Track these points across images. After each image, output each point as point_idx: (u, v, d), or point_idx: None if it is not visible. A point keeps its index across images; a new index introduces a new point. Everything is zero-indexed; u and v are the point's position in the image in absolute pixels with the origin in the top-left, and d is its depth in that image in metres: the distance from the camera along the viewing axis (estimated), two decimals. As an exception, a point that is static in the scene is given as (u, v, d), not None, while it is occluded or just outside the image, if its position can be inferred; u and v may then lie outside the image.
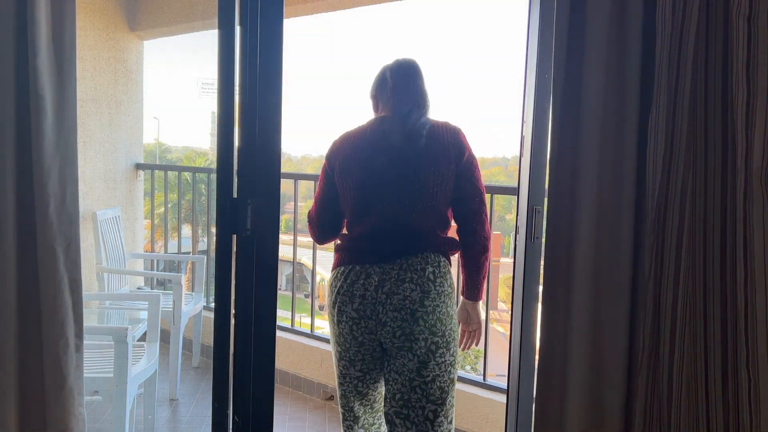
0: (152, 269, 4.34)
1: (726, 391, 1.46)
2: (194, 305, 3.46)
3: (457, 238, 1.84)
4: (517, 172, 1.74)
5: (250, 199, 1.62)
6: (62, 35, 1.49)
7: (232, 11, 1.58)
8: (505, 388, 1.89)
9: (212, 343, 1.68)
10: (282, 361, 3.40)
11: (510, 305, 1.75)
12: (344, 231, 1.90)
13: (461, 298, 1.90)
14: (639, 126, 1.47)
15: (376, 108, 1.91)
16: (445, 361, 1.75)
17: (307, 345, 3.36)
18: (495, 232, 2.44)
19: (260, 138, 1.61)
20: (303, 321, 3.85)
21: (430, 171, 1.74)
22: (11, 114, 1.49)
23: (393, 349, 1.74)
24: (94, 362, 2.42)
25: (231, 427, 1.70)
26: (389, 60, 1.94)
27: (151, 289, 4.09)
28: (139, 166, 4.24)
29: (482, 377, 2.86)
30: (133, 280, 4.03)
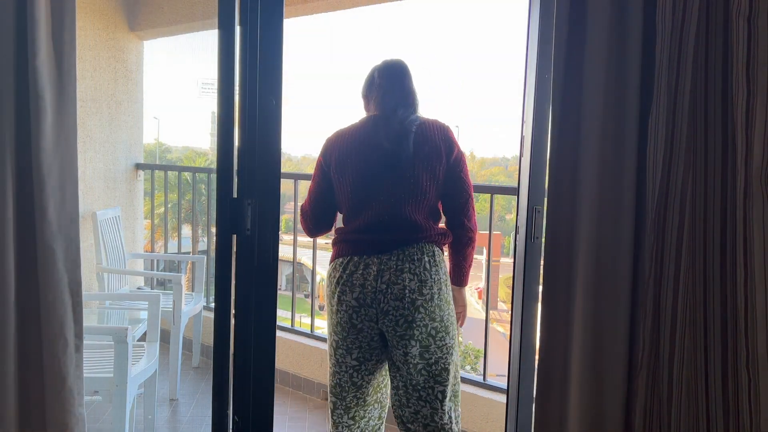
0: (152, 269, 4.34)
1: (726, 391, 1.46)
2: (194, 305, 3.46)
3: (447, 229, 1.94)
4: (517, 172, 1.74)
5: (250, 199, 1.62)
6: (62, 35, 1.49)
7: (232, 11, 1.58)
8: (505, 388, 1.89)
9: (212, 343, 1.68)
10: (282, 361, 3.40)
11: (510, 305, 1.76)
12: (341, 225, 1.96)
13: None
14: (639, 126, 1.47)
15: (367, 107, 2.00)
16: (446, 344, 1.84)
17: (307, 345, 3.36)
18: (495, 232, 2.45)
19: (260, 138, 1.61)
20: (303, 321, 3.85)
21: (424, 167, 1.84)
22: (11, 114, 1.49)
23: (395, 337, 1.81)
24: (94, 362, 2.42)
25: (231, 427, 1.70)
26: (380, 60, 2.01)
27: (151, 289, 4.09)
28: (139, 166, 4.24)
29: (482, 377, 2.86)
30: (133, 280, 4.03)
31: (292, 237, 4.14)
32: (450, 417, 1.87)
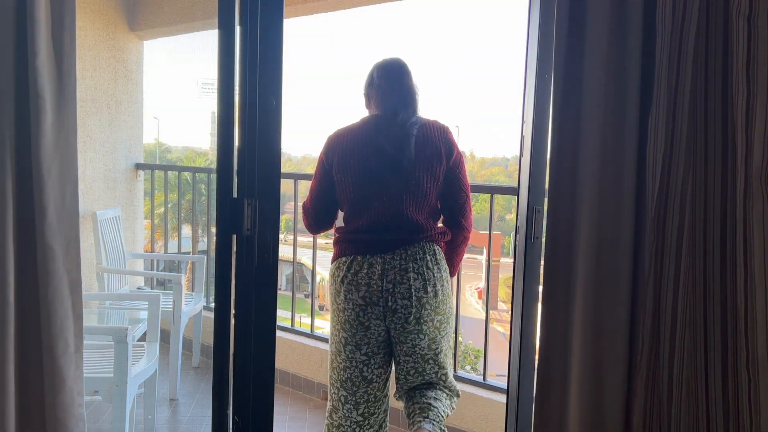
0: (152, 269, 4.34)
1: (726, 391, 1.46)
2: (194, 305, 3.46)
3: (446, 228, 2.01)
4: (517, 172, 1.74)
5: (250, 199, 1.62)
6: (62, 35, 1.49)
7: (232, 11, 1.58)
8: (505, 388, 1.90)
9: (212, 343, 1.68)
10: (282, 361, 3.40)
11: (510, 305, 1.77)
12: (342, 224, 2.00)
13: None
14: (639, 126, 1.47)
15: (368, 105, 2.03)
16: (448, 333, 1.97)
17: (307, 345, 3.36)
18: (495, 232, 2.45)
19: (260, 138, 1.61)
20: (303, 321, 3.85)
21: (425, 169, 1.89)
22: (11, 114, 1.49)
23: (404, 333, 1.89)
24: (94, 362, 2.42)
25: (231, 427, 1.70)
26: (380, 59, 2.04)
27: (151, 289, 4.09)
28: (139, 166, 4.24)
29: (482, 377, 2.86)
30: (133, 280, 4.03)
31: (292, 237, 4.14)
32: (450, 377, 2.01)
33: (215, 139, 1.63)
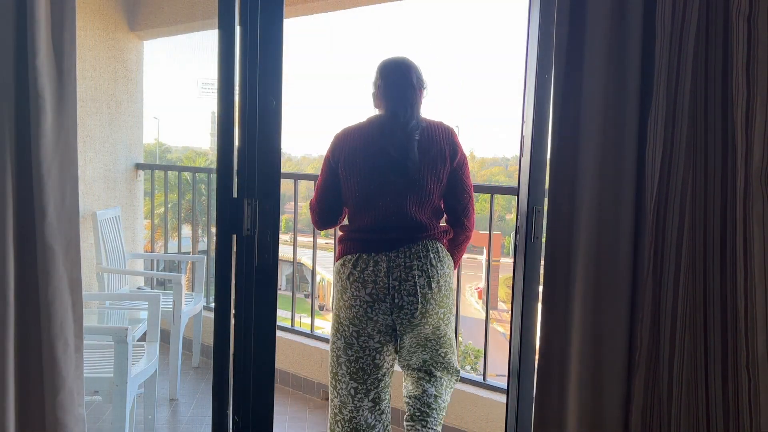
0: (152, 269, 4.34)
1: (726, 391, 1.46)
2: (194, 305, 3.46)
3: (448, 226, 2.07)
4: (517, 172, 1.74)
5: (250, 199, 1.62)
6: (62, 35, 1.49)
7: (232, 11, 1.58)
8: (505, 388, 1.90)
9: (212, 343, 1.68)
10: (282, 361, 3.40)
11: (510, 305, 1.77)
12: (346, 222, 2.06)
13: None
14: (639, 126, 1.47)
15: (375, 105, 2.05)
16: (451, 322, 2.06)
17: (307, 345, 3.36)
18: (495, 232, 2.47)
19: (260, 138, 1.61)
20: (303, 321, 3.85)
21: (429, 171, 1.93)
22: (11, 114, 1.49)
23: (410, 326, 1.96)
24: (94, 362, 2.42)
25: (231, 427, 1.70)
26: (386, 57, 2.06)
27: (151, 289, 4.09)
28: (139, 166, 4.24)
29: (482, 377, 2.86)
30: (133, 280, 4.03)
31: (292, 237, 4.14)
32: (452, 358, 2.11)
33: (215, 139, 1.63)
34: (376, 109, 2.04)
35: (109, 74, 3.97)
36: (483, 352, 2.98)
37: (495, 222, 2.94)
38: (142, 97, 4.25)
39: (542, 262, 1.65)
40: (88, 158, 3.83)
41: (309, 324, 3.54)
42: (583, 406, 1.53)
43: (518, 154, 1.73)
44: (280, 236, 1.72)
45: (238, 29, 1.60)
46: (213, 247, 1.97)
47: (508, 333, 1.81)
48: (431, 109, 2.09)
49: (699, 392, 1.48)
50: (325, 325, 4.60)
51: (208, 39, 4.29)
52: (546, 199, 1.61)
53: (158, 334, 2.72)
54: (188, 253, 5.05)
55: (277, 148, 1.64)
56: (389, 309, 1.92)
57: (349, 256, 1.96)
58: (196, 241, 4.49)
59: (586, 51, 1.48)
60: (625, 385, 1.52)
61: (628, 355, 1.52)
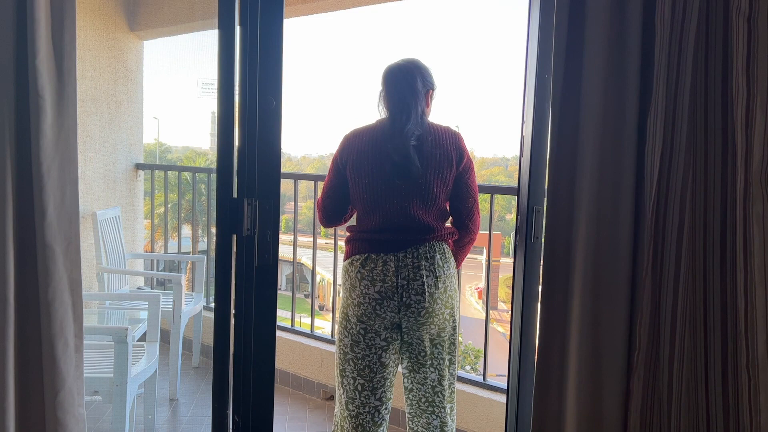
0: (152, 269, 4.34)
1: (726, 392, 1.46)
2: (194, 305, 3.46)
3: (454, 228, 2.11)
4: (517, 172, 1.74)
5: (250, 199, 1.62)
6: (62, 35, 1.49)
7: (232, 11, 1.58)
8: (505, 388, 1.90)
9: (212, 343, 1.68)
10: (282, 361, 3.40)
11: (510, 305, 1.77)
12: (354, 223, 2.10)
13: None
14: (638, 126, 1.47)
15: (380, 109, 2.09)
16: (455, 324, 2.09)
17: (307, 345, 3.36)
18: (495, 232, 2.47)
19: (260, 138, 1.61)
20: (303, 321, 3.85)
21: (435, 174, 1.98)
22: (11, 114, 1.49)
23: (416, 324, 2.00)
24: (94, 362, 2.42)
25: (231, 427, 1.70)
26: (388, 60, 2.07)
27: (151, 289, 4.09)
28: (139, 166, 4.24)
29: (482, 377, 2.86)
30: (133, 280, 4.03)
31: (292, 237, 4.14)
32: (451, 380, 2.11)
33: (215, 139, 1.63)
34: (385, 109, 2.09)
35: (109, 74, 3.97)
36: (483, 352, 2.98)
37: (495, 222, 2.94)
38: (142, 97, 4.25)
39: (541, 262, 1.65)
40: (88, 158, 3.83)
41: (309, 324, 3.54)
42: (582, 406, 1.53)
43: (518, 154, 1.73)
44: (280, 236, 1.72)
45: (238, 29, 1.60)
46: (213, 247, 1.97)
47: (508, 333, 1.81)
48: (431, 108, 2.09)
49: (699, 392, 1.48)
50: (325, 325, 4.60)
51: (208, 39, 4.29)
52: (545, 199, 1.61)
53: (158, 334, 2.72)
54: (188, 253, 5.05)
55: (277, 148, 1.64)
56: (397, 307, 1.97)
57: (358, 256, 2.01)
58: (196, 241, 4.49)
59: (585, 51, 1.48)
60: (623, 385, 1.52)
61: (628, 355, 1.52)
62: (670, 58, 1.43)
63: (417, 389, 2.09)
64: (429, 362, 2.06)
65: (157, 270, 4.60)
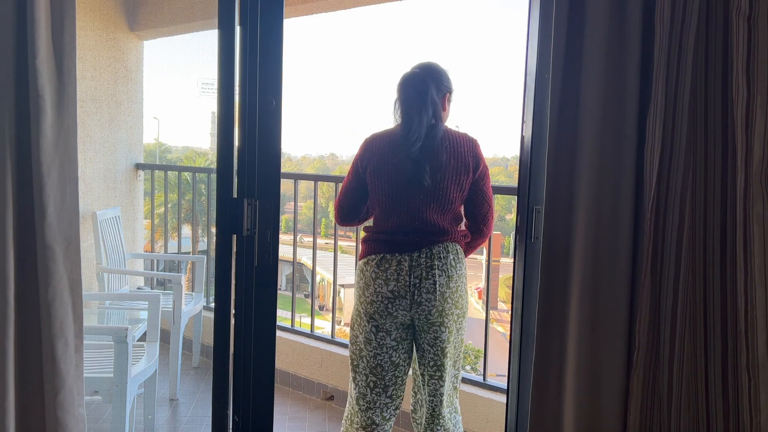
0: (152, 269, 4.34)
1: (726, 391, 1.46)
2: (194, 305, 3.46)
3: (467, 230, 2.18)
4: (517, 172, 1.74)
5: (250, 199, 1.62)
6: (62, 35, 1.49)
7: (232, 11, 1.58)
8: (505, 388, 1.90)
9: (212, 343, 1.68)
10: (282, 361, 3.40)
11: (510, 305, 1.77)
12: (371, 224, 2.17)
13: None
14: (638, 126, 1.47)
15: (396, 116, 2.15)
16: (462, 327, 2.13)
17: (307, 345, 3.36)
18: (495, 232, 2.49)
19: (260, 138, 1.61)
20: (303, 321, 3.85)
21: (452, 180, 2.04)
22: (11, 114, 1.49)
23: (427, 324, 2.05)
24: (94, 362, 2.42)
25: (231, 427, 1.70)
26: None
27: (151, 289, 4.09)
28: (139, 166, 4.24)
29: (482, 377, 2.86)
30: (133, 280, 4.03)
31: (292, 237, 4.14)
32: (455, 377, 2.17)
33: (215, 139, 1.63)
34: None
35: (109, 74, 3.97)
36: (483, 352, 2.98)
37: (495, 222, 2.94)
38: (142, 97, 4.24)
39: (539, 261, 1.65)
40: (88, 158, 3.83)
41: (309, 324, 3.54)
42: (580, 406, 1.53)
43: (518, 154, 1.73)
44: (280, 236, 1.72)
45: (238, 29, 1.60)
46: (213, 247, 1.98)
47: (508, 333, 1.81)
48: (449, 111, 2.14)
49: (699, 392, 1.48)
50: (325, 325, 4.60)
51: (208, 39, 4.29)
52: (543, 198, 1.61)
53: (158, 334, 2.72)
54: (188, 253, 5.04)
55: (277, 148, 1.64)
56: (408, 305, 2.03)
57: (374, 256, 2.06)
58: (196, 241, 4.49)
59: (584, 50, 1.48)
60: (623, 385, 1.52)
61: (627, 355, 1.52)
62: (669, 57, 1.43)
63: (426, 392, 2.13)
64: (439, 373, 2.10)
65: (157, 270, 4.60)
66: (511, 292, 1.76)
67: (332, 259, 3.63)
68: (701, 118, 1.44)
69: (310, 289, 12.21)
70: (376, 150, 2.09)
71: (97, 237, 3.47)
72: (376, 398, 2.11)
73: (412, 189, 2.02)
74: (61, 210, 1.53)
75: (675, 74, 1.43)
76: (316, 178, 3.71)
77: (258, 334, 1.67)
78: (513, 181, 2.09)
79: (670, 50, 1.42)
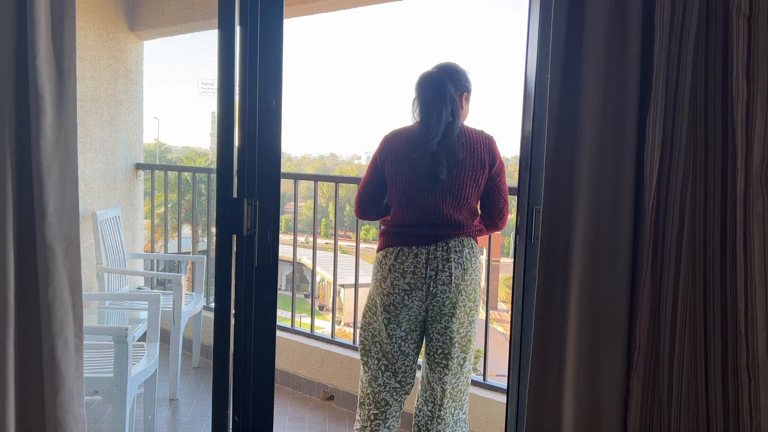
0: (152, 269, 4.34)
1: (726, 391, 1.46)
2: (194, 305, 3.46)
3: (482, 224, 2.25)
4: (517, 172, 1.74)
5: (250, 199, 1.62)
6: (62, 35, 1.49)
7: (232, 11, 1.58)
8: (505, 388, 1.90)
9: (212, 343, 1.68)
10: (282, 361, 3.40)
11: (510, 305, 1.77)
12: (389, 218, 2.22)
13: None
14: (638, 126, 1.47)
15: (414, 115, 2.24)
16: (474, 320, 2.20)
17: (307, 345, 3.36)
18: (495, 232, 2.50)
19: (260, 138, 1.61)
20: (303, 321, 3.85)
21: (468, 176, 2.11)
22: (11, 114, 1.49)
23: (439, 315, 2.14)
24: (94, 362, 2.42)
25: (231, 427, 1.70)
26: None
27: (151, 289, 4.09)
28: (139, 166, 4.24)
29: (482, 377, 2.86)
30: (133, 280, 4.03)
31: (292, 237, 4.14)
32: (467, 377, 2.23)
33: (215, 139, 1.63)
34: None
35: (109, 74, 3.97)
36: (483, 352, 2.98)
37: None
38: (142, 97, 4.24)
39: (537, 260, 1.65)
40: (88, 158, 3.83)
41: (309, 324, 3.54)
42: (580, 406, 1.53)
43: (518, 154, 1.73)
44: (280, 236, 1.72)
45: (238, 29, 1.60)
46: (213, 247, 1.98)
47: (508, 333, 1.81)
48: (468, 110, 2.18)
49: (699, 392, 1.48)
50: (325, 325, 4.60)
51: (208, 39, 4.29)
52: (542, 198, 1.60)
53: (158, 334, 2.72)
54: (188, 253, 5.04)
55: (277, 148, 1.64)
56: (424, 296, 2.12)
57: (392, 249, 2.14)
58: (196, 241, 4.49)
59: (584, 50, 1.48)
60: (622, 385, 1.52)
61: (627, 354, 1.52)
62: (669, 58, 1.43)
63: (434, 389, 2.19)
64: (446, 362, 2.16)
65: (157, 270, 4.60)
66: (511, 292, 1.76)
67: (332, 259, 3.63)
68: (701, 118, 1.44)
69: (310, 289, 12.22)
70: (395, 146, 2.16)
71: (97, 237, 3.47)
72: (387, 381, 2.20)
73: (429, 184, 2.09)
74: (61, 210, 1.53)
75: (675, 74, 1.43)
76: (316, 178, 3.71)
77: (258, 334, 1.67)
78: (513, 181, 2.10)
79: (670, 50, 1.42)
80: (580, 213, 1.51)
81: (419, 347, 2.23)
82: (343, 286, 12.29)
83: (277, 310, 1.71)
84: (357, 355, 3.18)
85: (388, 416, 2.21)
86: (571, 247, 1.53)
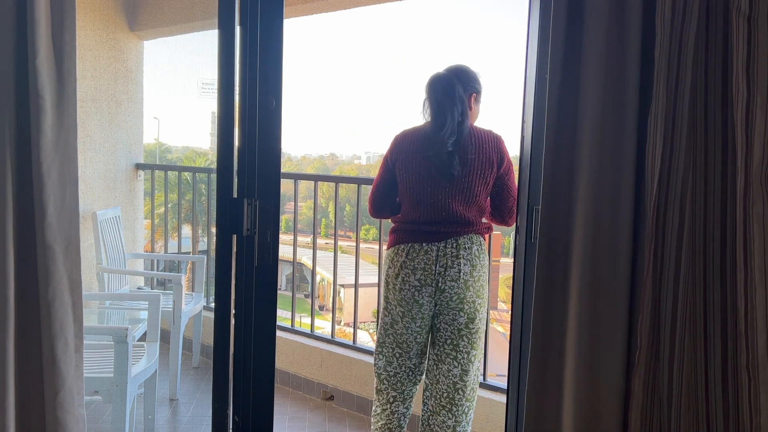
0: (152, 269, 4.34)
1: (726, 391, 1.46)
2: (194, 305, 3.46)
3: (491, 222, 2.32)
4: (517, 172, 1.74)
5: (250, 199, 1.62)
6: (62, 35, 1.49)
7: (232, 11, 1.58)
8: (505, 388, 1.90)
9: (212, 343, 1.68)
10: (282, 361, 3.40)
11: (510, 305, 1.77)
12: (399, 216, 2.28)
13: None
14: (638, 126, 1.47)
15: (425, 115, 2.26)
16: (483, 317, 2.26)
17: (307, 345, 3.36)
18: (495, 232, 2.50)
19: (260, 138, 1.61)
20: (303, 321, 3.85)
21: (477, 175, 2.16)
22: (11, 114, 1.49)
23: (447, 309, 2.19)
24: (94, 362, 2.42)
25: (231, 427, 1.70)
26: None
27: (151, 289, 4.09)
28: (139, 166, 4.24)
29: (482, 377, 2.86)
30: (133, 280, 4.03)
31: (292, 237, 4.14)
32: (474, 378, 2.26)
33: (215, 139, 1.63)
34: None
35: (109, 74, 3.97)
36: (483, 352, 2.98)
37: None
38: (142, 97, 4.24)
39: (536, 260, 1.65)
40: (88, 158, 3.83)
41: (309, 324, 3.54)
42: (580, 406, 1.53)
43: (518, 154, 1.73)
44: (280, 236, 1.72)
45: (238, 29, 1.60)
46: (213, 247, 1.98)
47: (508, 333, 1.81)
48: (477, 111, 2.20)
49: (699, 392, 1.48)
50: (325, 325, 4.60)
51: (208, 39, 4.29)
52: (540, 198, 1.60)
53: (158, 334, 2.72)
54: (188, 253, 5.04)
55: (277, 148, 1.64)
56: (433, 292, 2.17)
57: (403, 246, 2.20)
58: (196, 241, 4.49)
59: (584, 50, 1.48)
60: (622, 385, 1.52)
61: (627, 354, 1.52)
62: (670, 58, 1.43)
63: (440, 382, 2.23)
64: (454, 354, 2.21)
65: (157, 270, 4.60)
66: (511, 292, 1.76)
67: (332, 259, 3.63)
68: (701, 118, 1.44)
69: (310, 289, 12.22)
70: (405, 145, 2.22)
71: (97, 237, 3.47)
72: (403, 362, 2.27)
73: (440, 182, 2.14)
74: (61, 210, 1.53)
75: (675, 74, 1.43)
76: (316, 178, 3.71)
77: (258, 334, 1.67)
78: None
79: (671, 50, 1.42)
80: (580, 213, 1.51)
81: (429, 339, 2.30)
82: (343, 286, 12.29)
83: (277, 310, 1.71)
84: (357, 355, 3.19)
85: (405, 397, 2.29)
86: (570, 247, 1.53)
